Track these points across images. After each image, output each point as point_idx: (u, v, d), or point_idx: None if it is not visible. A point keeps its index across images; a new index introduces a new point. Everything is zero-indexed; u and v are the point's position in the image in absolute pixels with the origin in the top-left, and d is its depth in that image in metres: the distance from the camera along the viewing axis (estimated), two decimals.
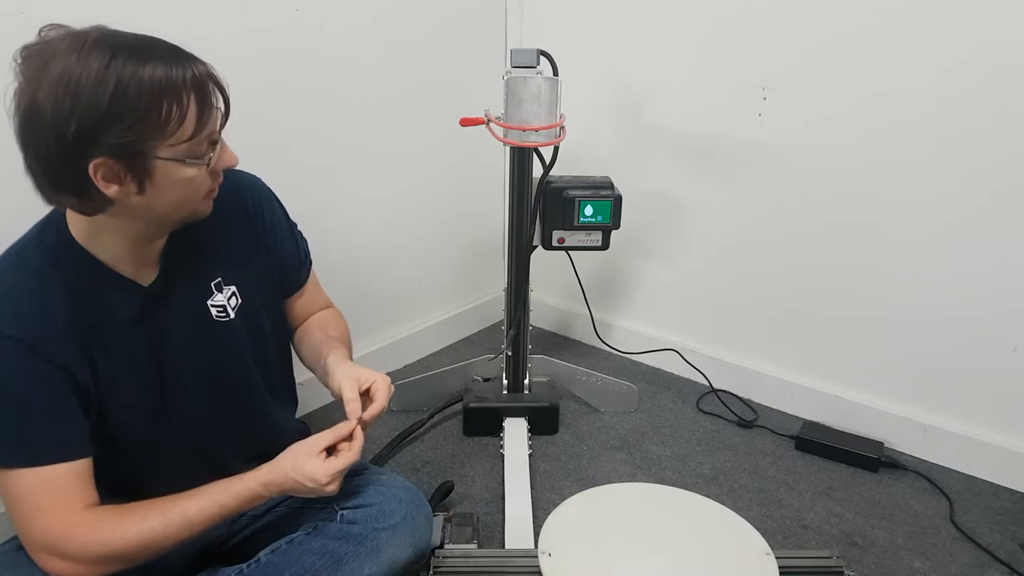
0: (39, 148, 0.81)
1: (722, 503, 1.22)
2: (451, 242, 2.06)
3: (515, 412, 1.67)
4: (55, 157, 0.81)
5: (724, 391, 1.88)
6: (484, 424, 1.67)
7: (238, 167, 1.00)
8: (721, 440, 1.69)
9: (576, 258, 1.71)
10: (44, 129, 0.79)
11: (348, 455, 1.00)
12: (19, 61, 0.81)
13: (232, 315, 1.07)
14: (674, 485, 1.33)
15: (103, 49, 0.80)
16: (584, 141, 1.87)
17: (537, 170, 1.51)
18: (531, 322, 1.73)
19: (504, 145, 1.46)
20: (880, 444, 1.62)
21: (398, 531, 1.07)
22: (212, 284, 1.05)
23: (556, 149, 1.47)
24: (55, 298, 0.90)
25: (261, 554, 1.04)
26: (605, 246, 1.57)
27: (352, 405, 1.02)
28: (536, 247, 1.59)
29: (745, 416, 1.77)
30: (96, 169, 0.81)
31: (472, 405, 1.67)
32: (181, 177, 0.88)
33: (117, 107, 0.79)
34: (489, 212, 2.08)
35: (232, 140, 1.04)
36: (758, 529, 1.15)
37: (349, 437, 1.02)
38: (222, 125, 0.91)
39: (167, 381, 1.02)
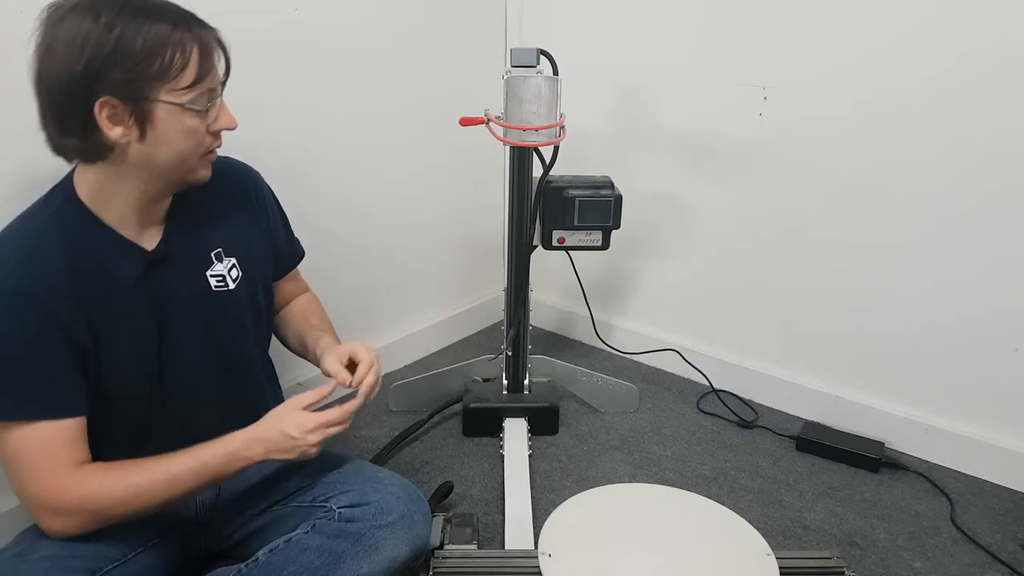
0: (50, 89, 0.87)
1: (722, 504, 1.22)
2: (451, 242, 2.06)
3: (515, 412, 1.67)
4: (64, 95, 0.86)
5: (724, 391, 1.87)
6: (484, 424, 1.67)
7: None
8: (721, 440, 1.69)
9: (576, 258, 1.70)
10: (56, 68, 0.86)
11: (335, 411, 1.05)
12: (42, 18, 0.88)
13: (232, 286, 1.11)
14: (674, 486, 1.33)
15: (114, 4, 0.87)
16: (584, 141, 1.87)
17: (537, 170, 1.51)
18: (531, 322, 1.73)
19: (504, 145, 1.46)
20: (881, 444, 1.61)
21: (396, 529, 1.07)
22: (212, 254, 1.09)
23: (556, 149, 1.46)
24: (58, 258, 0.93)
25: (259, 553, 1.05)
26: (605, 246, 1.57)
27: (340, 376, 1.10)
28: (536, 247, 1.58)
29: (745, 416, 1.77)
30: (101, 108, 0.87)
31: (472, 405, 1.67)
32: (181, 126, 0.92)
33: (123, 47, 0.85)
34: (489, 212, 2.08)
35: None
36: (759, 530, 1.15)
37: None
38: (223, 85, 0.97)
39: (166, 345, 1.04)
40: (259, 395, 1.19)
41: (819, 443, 1.63)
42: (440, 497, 1.41)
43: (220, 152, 1.03)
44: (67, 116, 0.88)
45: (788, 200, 1.68)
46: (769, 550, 1.10)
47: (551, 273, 2.04)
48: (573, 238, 1.55)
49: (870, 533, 1.39)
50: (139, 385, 1.03)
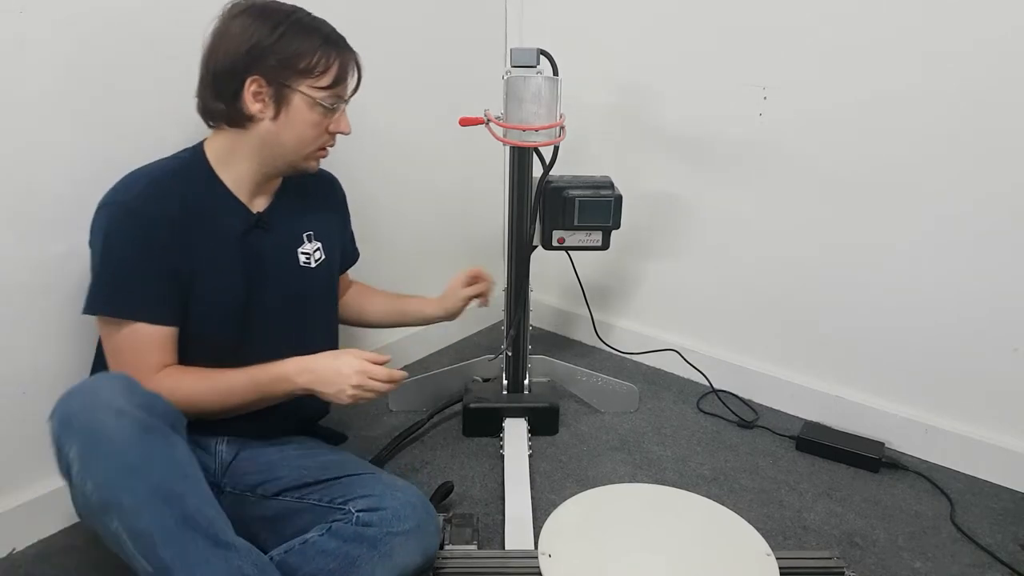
0: (216, 61, 1.08)
1: (722, 504, 1.22)
2: (451, 242, 2.06)
3: (515, 412, 1.67)
4: (225, 69, 1.07)
5: (724, 391, 1.87)
6: (484, 424, 1.67)
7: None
8: (721, 440, 1.69)
9: (576, 258, 1.71)
10: (226, 46, 1.07)
11: (382, 369, 1.13)
12: (224, 11, 1.09)
13: (315, 265, 1.27)
14: (674, 486, 1.33)
15: (284, 12, 1.10)
16: (584, 141, 1.87)
17: (537, 170, 1.51)
18: (531, 322, 1.73)
19: (504, 145, 1.46)
20: (881, 444, 1.61)
21: (411, 537, 1.08)
22: (304, 235, 1.26)
23: (556, 149, 1.46)
24: (174, 196, 1.10)
25: (273, 553, 1.05)
26: (605, 246, 1.57)
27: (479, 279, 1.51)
28: (536, 247, 1.58)
29: (745, 416, 1.77)
30: (250, 84, 1.08)
31: (472, 405, 1.67)
32: (309, 116, 1.12)
33: (282, 44, 1.07)
34: (489, 212, 2.08)
35: None
36: (759, 530, 1.15)
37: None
38: (348, 97, 1.17)
39: (252, 301, 1.18)
40: None
41: (819, 443, 1.63)
42: (440, 497, 1.41)
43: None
44: (223, 86, 1.08)
45: (788, 200, 1.68)
46: (769, 550, 1.10)
47: (551, 273, 2.04)
48: (573, 238, 1.55)
49: (870, 533, 1.39)
50: (219, 334, 1.15)
